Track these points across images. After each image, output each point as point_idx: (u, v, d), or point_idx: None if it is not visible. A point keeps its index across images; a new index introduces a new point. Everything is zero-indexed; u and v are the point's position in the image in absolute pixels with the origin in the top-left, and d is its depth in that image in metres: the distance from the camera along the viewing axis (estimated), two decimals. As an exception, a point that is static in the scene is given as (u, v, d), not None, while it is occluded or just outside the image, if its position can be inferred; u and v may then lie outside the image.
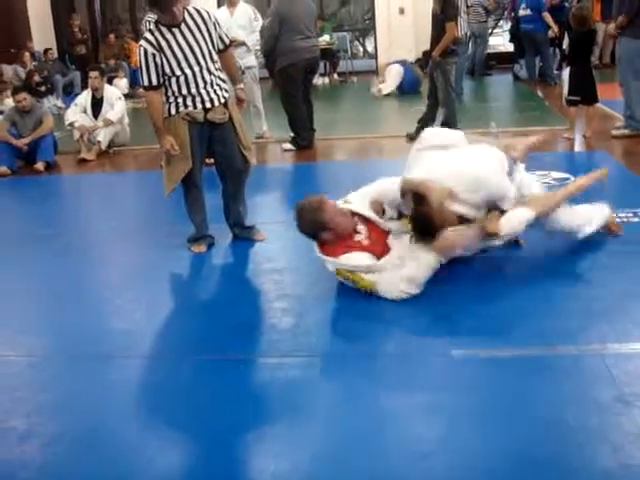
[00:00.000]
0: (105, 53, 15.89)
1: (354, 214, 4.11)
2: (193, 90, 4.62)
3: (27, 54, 14.80)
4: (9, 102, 10.23)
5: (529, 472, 2.49)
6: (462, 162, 3.99)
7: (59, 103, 13.58)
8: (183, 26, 4.56)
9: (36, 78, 13.46)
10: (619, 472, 2.44)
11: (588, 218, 4.32)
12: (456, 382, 3.10)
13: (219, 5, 12.14)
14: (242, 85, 5.13)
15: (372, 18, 16.69)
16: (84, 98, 9.09)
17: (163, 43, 4.53)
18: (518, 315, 3.60)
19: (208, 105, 4.68)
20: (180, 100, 4.64)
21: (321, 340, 3.61)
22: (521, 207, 3.96)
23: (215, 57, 4.70)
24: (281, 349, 3.52)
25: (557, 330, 3.44)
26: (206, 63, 4.63)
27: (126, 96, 11.04)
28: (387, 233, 4.09)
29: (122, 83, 13.99)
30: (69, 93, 14.29)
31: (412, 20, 15.31)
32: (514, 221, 3.91)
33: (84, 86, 11.32)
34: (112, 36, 16.20)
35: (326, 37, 14.53)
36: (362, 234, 4.01)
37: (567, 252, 4.33)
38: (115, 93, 9.27)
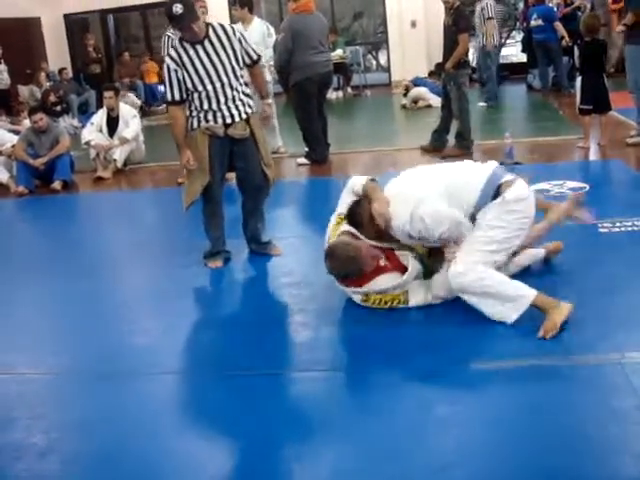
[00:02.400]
0: (120, 72, 15.99)
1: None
2: (214, 106, 4.65)
3: (42, 74, 14.93)
4: (26, 122, 10.32)
5: (549, 483, 2.48)
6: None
7: (75, 122, 13.66)
8: (206, 42, 4.60)
9: (52, 98, 13.57)
10: (640, 482, 2.42)
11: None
12: (475, 393, 3.09)
13: (232, 21, 12.18)
14: (270, 100, 5.14)
15: (384, 32, 16.73)
16: (100, 117, 9.19)
17: (185, 59, 4.58)
18: (534, 326, 3.58)
19: (228, 120, 4.70)
20: (201, 115, 4.68)
21: (340, 354, 3.61)
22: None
23: (239, 73, 4.72)
24: (300, 363, 3.53)
25: (575, 340, 3.42)
26: (228, 79, 4.65)
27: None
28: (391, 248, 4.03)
29: (130, 100, 13.94)
30: (84, 112, 14.38)
31: (424, 33, 15.36)
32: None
33: (99, 105, 11.39)
34: (126, 54, 16.32)
35: (339, 51, 14.57)
36: (382, 257, 3.94)
37: (582, 262, 4.31)
38: (130, 111, 9.37)
